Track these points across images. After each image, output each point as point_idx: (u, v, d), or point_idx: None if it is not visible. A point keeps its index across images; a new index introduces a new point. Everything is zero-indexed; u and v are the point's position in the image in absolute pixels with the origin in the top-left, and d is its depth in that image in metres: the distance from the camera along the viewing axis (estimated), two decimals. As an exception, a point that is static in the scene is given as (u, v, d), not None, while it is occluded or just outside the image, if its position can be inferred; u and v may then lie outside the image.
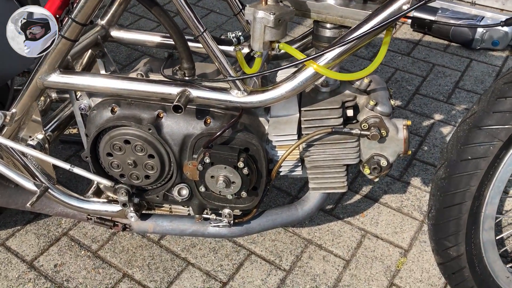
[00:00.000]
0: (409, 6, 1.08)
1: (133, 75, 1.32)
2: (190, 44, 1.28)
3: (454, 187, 1.24)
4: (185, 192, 1.38)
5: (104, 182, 1.38)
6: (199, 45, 1.46)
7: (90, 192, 1.49)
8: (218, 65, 1.19)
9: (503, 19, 1.18)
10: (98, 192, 1.50)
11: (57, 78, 1.26)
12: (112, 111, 1.30)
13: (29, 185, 1.40)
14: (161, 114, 1.29)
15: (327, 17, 1.18)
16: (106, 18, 1.48)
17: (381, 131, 1.24)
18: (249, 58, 1.30)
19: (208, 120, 1.28)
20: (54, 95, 1.59)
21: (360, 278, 1.60)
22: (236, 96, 1.22)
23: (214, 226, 1.44)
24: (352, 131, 1.25)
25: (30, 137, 1.38)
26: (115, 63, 1.46)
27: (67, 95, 1.59)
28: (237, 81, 1.20)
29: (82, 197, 1.47)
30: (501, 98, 1.17)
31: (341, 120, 1.26)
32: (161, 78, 1.29)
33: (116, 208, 1.46)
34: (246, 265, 1.64)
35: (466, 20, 2.56)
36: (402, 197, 1.87)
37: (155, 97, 1.26)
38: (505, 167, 1.21)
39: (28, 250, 1.68)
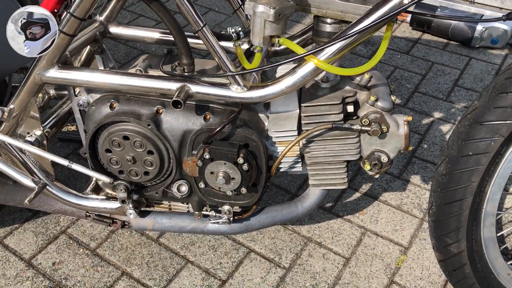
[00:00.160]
0: (409, 0, 1.07)
1: (132, 71, 1.31)
2: (189, 40, 1.28)
3: (455, 183, 1.23)
4: (184, 188, 1.37)
5: (103, 179, 1.37)
6: (199, 41, 1.46)
7: (89, 189, 1.48)
8: (217, 60, 1.18)
9: (505, 14, 1.18)
10: (97, 189, 1.49)
11: (55, 73, 1.25)
12: (111, 107, 1.29)
13: (27, 181, 1.39)
14: (160, 110, 1.28)
15: (327, 12, 1.18)
16: (105, 14, 1.47)
17: (382, 127, 1.23)
18: (249, 54, 1.30)
19: (208, 116, 1.27)
20: (52, 91, 1.58)
21: (360, 276, 1.59)
22: (236, 92, 1.21)
23: (214, 223, 1.43)
24: (352, 127, 1.24)
25: (28, 133, 1.37)
26: (114, 61, 1.46)
27: (66, 92, 1.58)
28: (236, 76, 1.19)
29: (80, 194, 1.46)
30: (503, 93, 1.17)
31: (342, 116, 1.25)
32: (160, 74, 1.28)
33: (114, 205, 1.45)
34: (246, 263, 1.63)
35: (465, 19, 2.56)
36: (402, 195, 1.86)
37: (154, 92, 1.26)
38: (506, 163, 1.21)
39: (26, 248, 1.67)
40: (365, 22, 1.10)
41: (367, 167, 1.30)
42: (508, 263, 1.37)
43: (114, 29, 1.51)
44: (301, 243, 1.69)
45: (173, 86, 1.22)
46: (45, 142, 1.39)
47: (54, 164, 1.43)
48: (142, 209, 1.47)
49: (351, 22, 1.14)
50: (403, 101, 2.28)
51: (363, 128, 1.24)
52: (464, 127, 1.22)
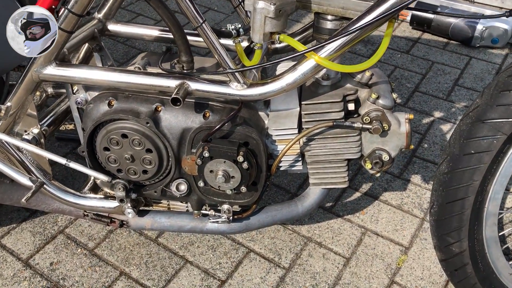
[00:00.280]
0: (411, -4, 1.06)
1: (130, 68, 1.29)
2: (188, 38, 1.26)
3: (457, 182, 1.22)
4: (183, 187, 1.35)
5: (101, 177, 1.36)
6: (198, 39, 1.45)
7: (87, 188, 1.46)
8: (217, 57, 1.17)
9: (508, 10, 1.17)
10: (95, 188, 1.47)
11: (53, 70, 1.23)
12: (109, 104, 1.27)
13: (24, 180, 1.37)
14: (159, 108, 1.26)
15: (328, 8, 1.17)
16: (103, 11, 1.46)
17: (383, 125, 1.22)
18: (249, 52, 1.28)
19: (207, 114, 1.26)
20: (50, 90, 1.57)
21: (361, 276, 1.58)
22: (236, 89, 1.20)
23: (213, 222, 1.42)
24: (353, 125, 1.23)
25: (25, 131, 1.36)
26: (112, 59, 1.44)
27: (63, 90, 1.57)
28: (236, 74, 1.18)
29: (78, 193, 1.45)
30: (505, 91, 1.16)
31: (342, 113, 1.24)
32: (159, 71, 1.27)
33: (113, 204, 1.43)
34: (245, 263, 1.61)
35: (465, 18, 2.55)
36: (402, 194, 1.85)
37: (153, 90, 1.24)
38: (509, 162, 1.19)
39: (23, 248, 1.65)
40: (367, 19, 1.09)
41: (368, 165, 1.29)
42: (510, 263, 1.36)
43: (112, 27, 1.49)
44: (301, 243, 1.67)
45: (172, 83, 1.21)
46: (42, 140, 1.37)
47: (51, 163, 1.42)
48: (140, 208, 1.45)
49: (352, 18, 1.13)
50: (403, 100, 2.27)
51: (364, 126, 1.22)
52: (466, 125, 1.21)
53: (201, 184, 1.31)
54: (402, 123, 1.25)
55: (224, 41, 1.39)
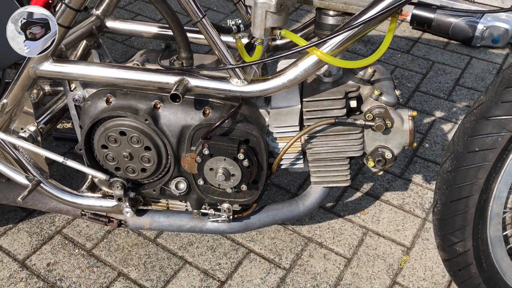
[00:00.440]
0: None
1: (129, 64, 1.27)
2: (188, 34, 1.24)
3: (461, 180, 1.20)
4: (182, 186, 1.33)
5: (99, 176, 1.33)
6: (197, 35, 1.43)
7: (84, 186, 1.44)
8: (217, 52, 1.15)
9: (512, 5, 1.15)
10: (93, 187, 1.45)
11: (50, 66, 1.21)
12: (107, 101, 1.25)
13: (20, 179, 1.35)
14: (158, 105, 1.24)
15: (330, 3, 1.15)
16: (101, 8, 1.44)
17: (386, 122, 1.20)
18: (249, 48, 1.26)
19: (207, 111, 1.24)
20: (47, 87, 1.55)
21: (362, 276, 1.56)
22: (236, 85, 1.18)
23: (213, 221, 1.40)
24: (356, 122, 1.21)
25: (22, 129, 1.34)
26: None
27: (61, 88, 1.55)
28: (237, 70, 1.16)
29: (76, 192, 1.42)
30: (510, 88, 1.14)
31: (345, 110, 1.22)
32: (158, 67, 1.25)
33: (111, 203, 1.41)
34: (245, 263, 1.59)
35: (465, 18, 2.54)
36: (404, 194, 1.83)
37: (152, 86, 1.22)
38: (514, 160, 1.18)
39: (20, 249, 1.63)
40: (369, 13, 1.07)
41: (370, 163, 1.27)
42: (515, 262, 1.34)
43: (110, 24, 1.48)
44: (301, 243, 1.65)
45: (171, 79, 1.18)
46: (39, 138, 1.35)
47: (49, 162, 1.39)
48: (139, 207, 1.43)
49: (354, 13, 1.11)
50: (404, 100, 2.25)
51: (366, 123, 1.20)
52: (470, 123, 1.19)
53: (200, 182, 1.29)
54: (405, 120, 1.23)
55: (224, 38, 1.37)
